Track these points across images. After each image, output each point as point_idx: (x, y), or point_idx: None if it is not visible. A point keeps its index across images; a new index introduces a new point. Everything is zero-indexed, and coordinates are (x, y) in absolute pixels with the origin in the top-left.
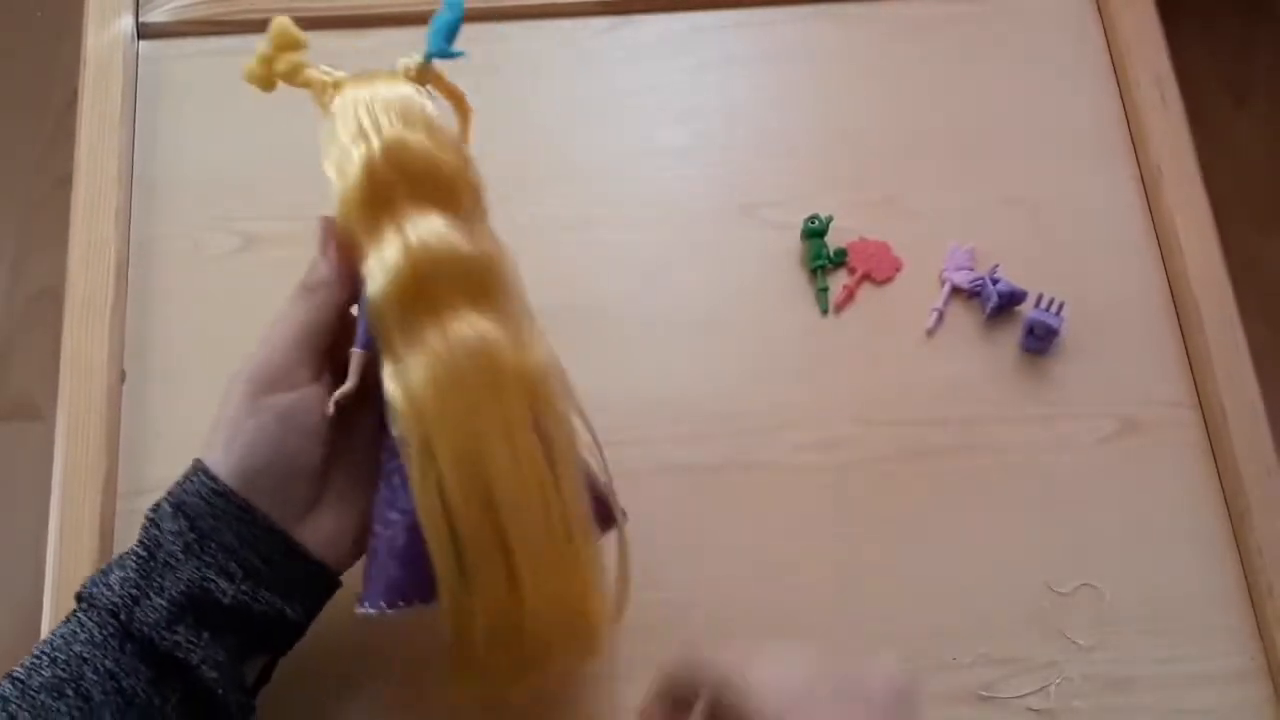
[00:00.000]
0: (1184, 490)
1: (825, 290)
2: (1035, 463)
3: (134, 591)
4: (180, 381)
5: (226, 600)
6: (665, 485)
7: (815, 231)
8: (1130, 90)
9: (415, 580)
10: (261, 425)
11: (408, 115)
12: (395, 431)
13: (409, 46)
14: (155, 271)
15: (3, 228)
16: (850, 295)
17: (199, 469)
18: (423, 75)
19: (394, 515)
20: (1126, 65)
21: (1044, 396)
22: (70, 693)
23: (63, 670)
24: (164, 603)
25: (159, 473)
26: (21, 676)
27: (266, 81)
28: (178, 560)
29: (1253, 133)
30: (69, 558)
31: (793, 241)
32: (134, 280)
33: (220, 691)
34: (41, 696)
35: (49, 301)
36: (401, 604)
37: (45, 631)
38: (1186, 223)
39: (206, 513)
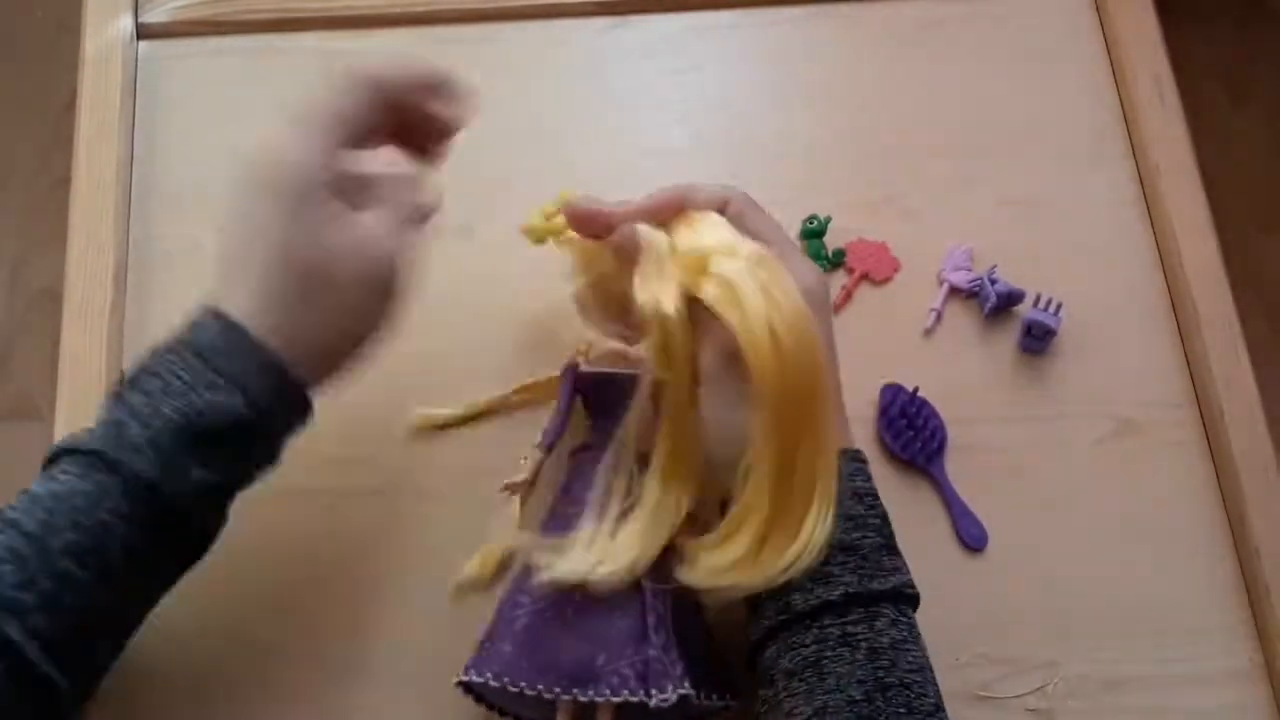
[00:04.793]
0: (1182, 490)
1: None
2: (1033, 463)
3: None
4: None
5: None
6: None
7: (814, 232)
8: (1128, 89)
9: (524, 665)
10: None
11: None
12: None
13: (408, 47)
14: (154, 272)
15: (2, 229)
16: (848, 295)
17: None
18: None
19: (523, 599)
20: (1125, 65)
21: (1042, 397)
22: (92, 564)
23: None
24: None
25: None
26: (36, 533)
27: (539, 236)
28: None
29: (1251, 132)
30: None
31: None
32: (133, 281)
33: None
34: (65, 563)
35: (48, 302)
36: (506, 681)
37: None
38: (1185, 222)
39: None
